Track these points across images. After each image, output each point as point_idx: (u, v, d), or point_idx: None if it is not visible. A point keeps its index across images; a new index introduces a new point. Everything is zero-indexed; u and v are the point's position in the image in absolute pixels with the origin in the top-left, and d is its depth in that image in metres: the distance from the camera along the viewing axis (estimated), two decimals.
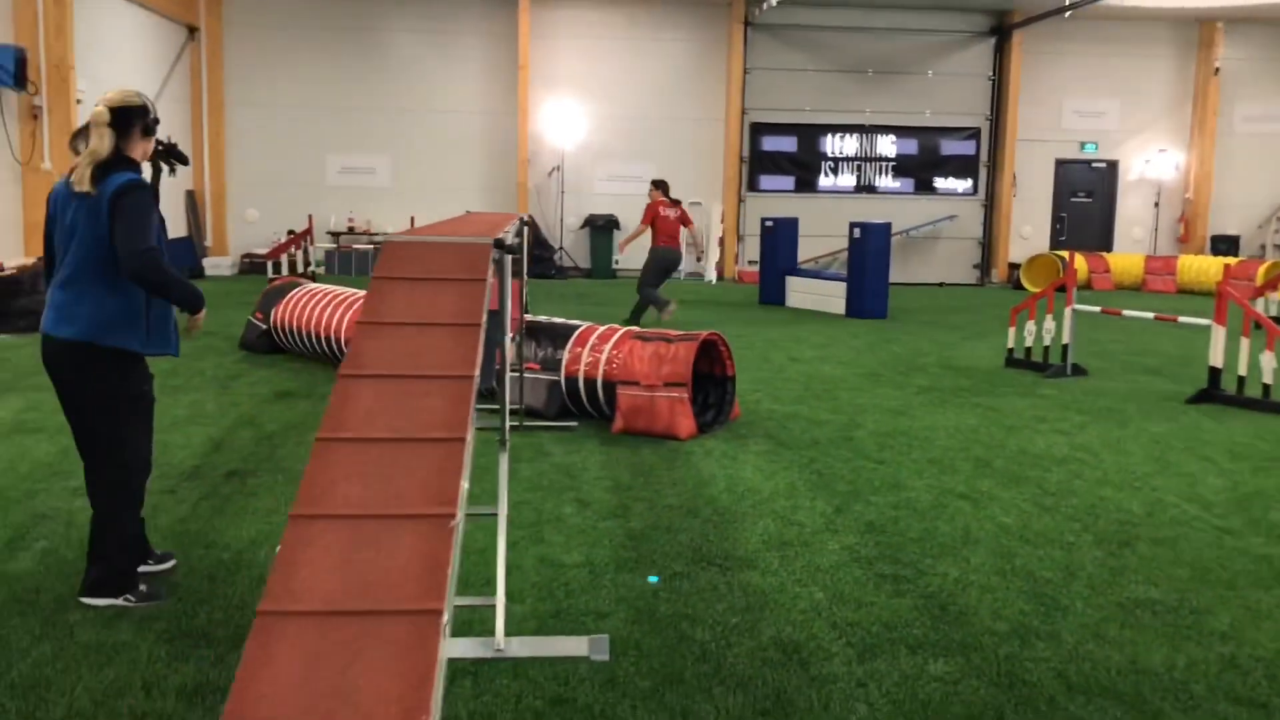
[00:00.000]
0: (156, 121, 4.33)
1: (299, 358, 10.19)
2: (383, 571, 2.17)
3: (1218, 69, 21.40)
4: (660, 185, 13.55)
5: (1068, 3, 18.46)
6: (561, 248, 20.59)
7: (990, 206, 21.73)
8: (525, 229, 6.93)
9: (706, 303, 16.44)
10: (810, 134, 21.08)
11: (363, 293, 9.84)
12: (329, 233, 19.68)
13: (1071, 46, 21.19)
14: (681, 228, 13.45)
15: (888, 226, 15.45)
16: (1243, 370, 8.94)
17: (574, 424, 7.56)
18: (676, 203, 13.56)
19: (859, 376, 10.05)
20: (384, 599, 2.10)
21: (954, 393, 9.31)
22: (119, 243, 4.01)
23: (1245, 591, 4.69)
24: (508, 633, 3.78)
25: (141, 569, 4.44)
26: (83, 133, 4.21)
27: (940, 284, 21.28)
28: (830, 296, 15.46)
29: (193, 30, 19.05)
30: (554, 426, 7.50)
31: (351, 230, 20.00)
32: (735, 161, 20.76)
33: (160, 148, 4.65)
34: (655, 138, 20.63)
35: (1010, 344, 10.91)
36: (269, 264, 17.21)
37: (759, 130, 20.93)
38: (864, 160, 21.32)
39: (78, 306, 4.11)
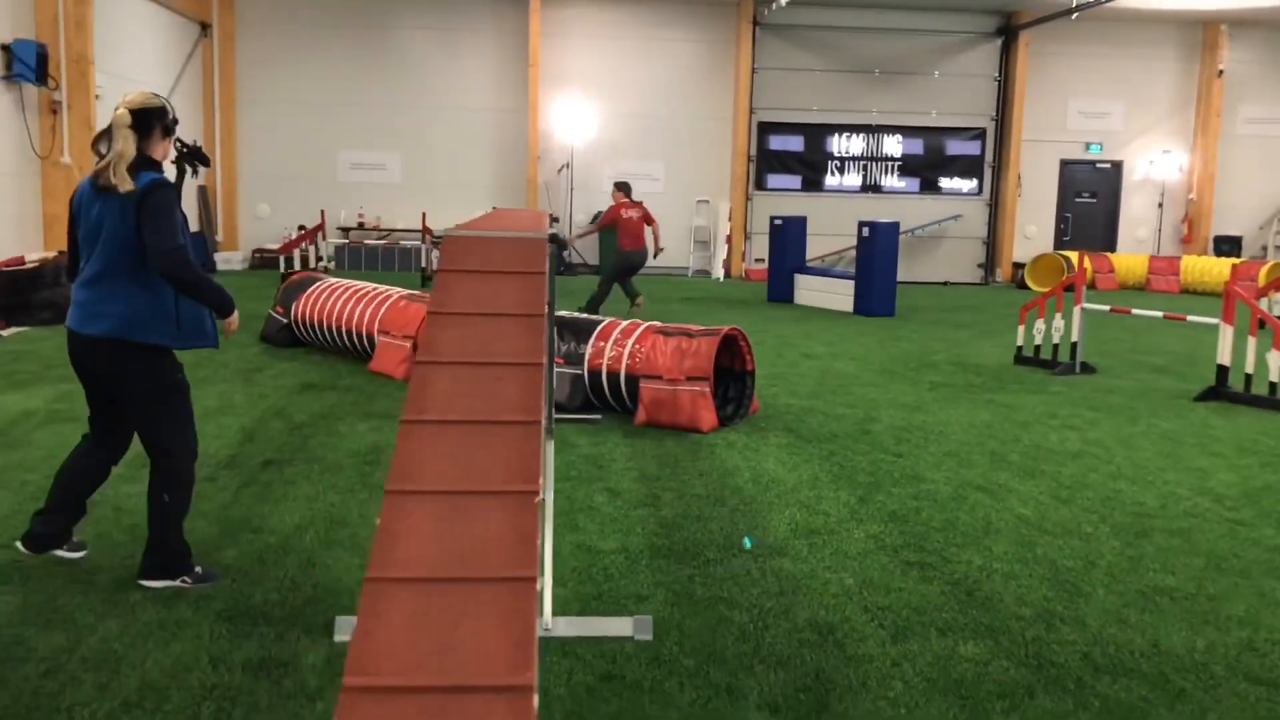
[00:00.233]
0: (176, 122, 4.43)
1: (319, 351, 10.34)
2: (476, 542, 2.33)
3: (1221, 71, 21.57)
4: (622, 187, 13.84)
5: (1075, 4, 18.62)
6: (570, 246, 20.74)
7: (995, 206, 21.90)
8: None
9: (715, 300, 16.59)
10: (817, 133, 21.25)
11: (383, 287, 10.02)
12: (339, 228, 19.83)
13: (1077, 48, 21.36)
14: (646, 226, 13.78)
15: (896, 226, 15.62)
16: (1249, 368, 9.10)
17: (598, 416, 7.72)
18: (638, 204, 13.86)
19: (872, 372, 10.21)
20: (480, 567, 2.25)
21: (966, 389, 9.47)
22: (148, 242, 4.13)
23: (1259, 580, 4.85)
24: (553, 614, 3.94)
25: (55, 552, 4.56)
26: (105, 136, 4.31)
27: (945, 283, 21.45)
28: (838, 294, 15.62)
29: (205, 26, 19.20)
30: (579, 419, 7.65)
31: (362, 226, 20.15)
32: (743, 160, 20.92)
33: (184, 150, 4.76)
34: (664, 136, 20.78)
35: (1019, 342, 11.07)
36: (281, 259, 17.35)
37: (766, 129, 21.09)
38: (870, 160, 21.48)
39: (108, 304, 4.22)
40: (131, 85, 15.52)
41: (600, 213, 19.66)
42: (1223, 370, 9.29)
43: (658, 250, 15.59)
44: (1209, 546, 5.31)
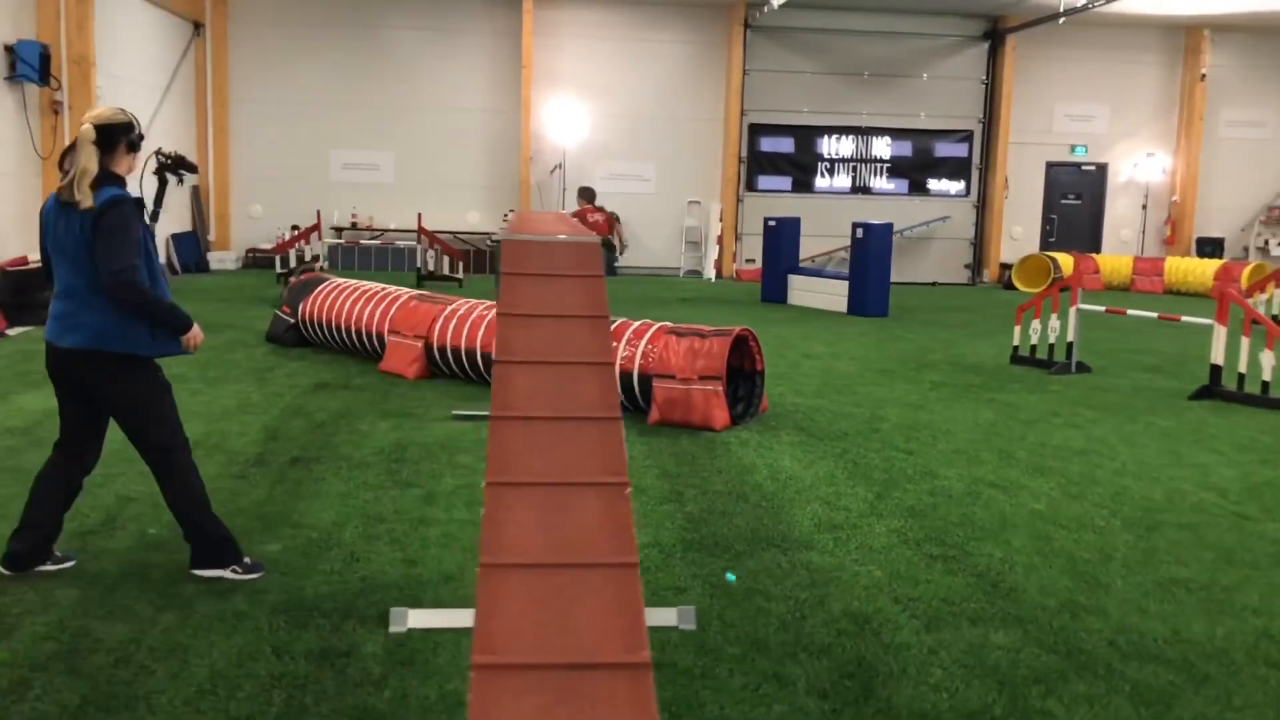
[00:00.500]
0: (141, 137, 4.43)
1: (327, 350, 10.43)
2: (578, 530, 2.47)
3: (1204, 75, 21.88)
4: (585, 193, 14.08)
5: (1062, 9, 18.87)
6: None
7: (982, 208, 22.15)
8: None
9: (709, 300, 16.75)
10: (807, 135, 21.43)
11: (391, 288, 10.12)
12: (333, 228, 19.86)
13: (1063, 52, 21.62)
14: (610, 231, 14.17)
15: (889, 227, 15.81)
16: (1242, 368, 9.33)
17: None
18: (601, 209, 14.12)
19: (873, 372, 10.39)
20: (585, 553, 2.40)
21: (966, 388, 9.65)
22: (99, 261, 4.18)
23: (1269, 571, 5.04)
24: None
25: (40, 569, 4.51)
26: (70, 151, 4.35)
27: (933, 283, 21.67)
28: (832, 295, 15.80)
29: (198, 26, 19.20)
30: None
31: (355, 226, 20.19)
32: (734, 162, 21.08)
33: (167, 161, 4.81)
34: (655, 137, 20.92)
35: (1016, 341, 11.27)
36: (277, 258, 17.40)
37: (757, 131, 21.26)
38: (859, 161, 21.69)
39: (81, 316, 4.28)
40: (129, 85, 15.56)
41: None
42: (1216, 370, 9.51)
43: (622, 248, 15.81)
44: (1217, 540, 5.49)
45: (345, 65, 20.18)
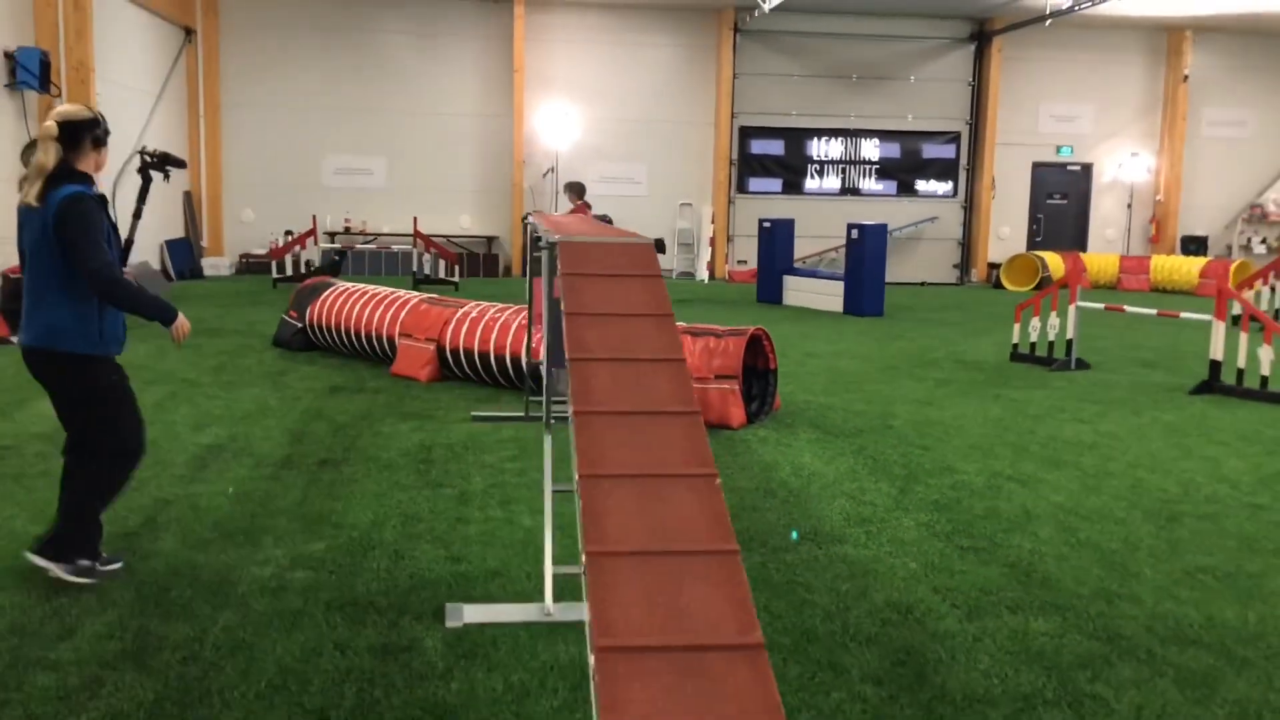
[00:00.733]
0: (107, 133, 4.39)
1: (336, 354, 10.46)
2: (676, 520, 2.55)
3: (1186, 76, 22.16)
4: (576, 188, 14.17)
5: (1049, 11, 19.09)
6: None
7: (970, 208, 22.36)
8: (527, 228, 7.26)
9: (705, 301, 16.85)
10: (797, 137, 21.59)
11: (400, 292, 10.17)
12: (326, 233, 19.87)
13: (1048, 53, 21.86)
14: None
15: (884, 227, 15.97)
16: (1241, 363, 9.49)
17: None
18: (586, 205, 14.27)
19: (878, 370, 10.51)
20: (686, 542, 2.48)
21: (971, 385, 9.79)
22: (76, 263, 4.16)
23: None
24: None
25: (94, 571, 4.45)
26: (32, 146, 4.33)
27: (922, 283, 21.85)
28: (827, 295, 15.94)
29: (190, 32, 19.18)
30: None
31: (348, 230, 20.20)
32: (725, 164, 21.22)
33: (151, 159, 4.83)
34: (647, 140, 21.03)
35: (1015, 339, 11.42)
36: (273, 264, 17.41)
37: (747, 134, 21.41)
38: (848, 163, 21.87)
39: (35, 314, 4.30)
40: (124, 91, 15.54)
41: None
42: (1215, 365, 9.67)
43: None
44: (1237, 529, 5.63)
45: (337, 70, 20.20)
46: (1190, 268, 20.60)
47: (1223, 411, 8.79)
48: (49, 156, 4.21)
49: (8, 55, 12.09)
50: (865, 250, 15.42)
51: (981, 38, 21.67)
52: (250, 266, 19.86)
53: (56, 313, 4.24)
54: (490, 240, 20.94)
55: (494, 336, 8.87)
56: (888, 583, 4.71)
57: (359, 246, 19.25)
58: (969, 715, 3.54)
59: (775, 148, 21.60)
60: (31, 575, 4.48)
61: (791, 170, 21.71)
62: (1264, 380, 9.28)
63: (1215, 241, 23.06)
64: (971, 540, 5.33)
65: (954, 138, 22.11)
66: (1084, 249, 22.67)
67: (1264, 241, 22.82)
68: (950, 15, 21.33)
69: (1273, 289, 14.96)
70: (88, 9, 13.16)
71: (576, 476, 2.70)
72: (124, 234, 4.78)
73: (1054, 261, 20.83)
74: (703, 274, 20.96)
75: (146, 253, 16.76)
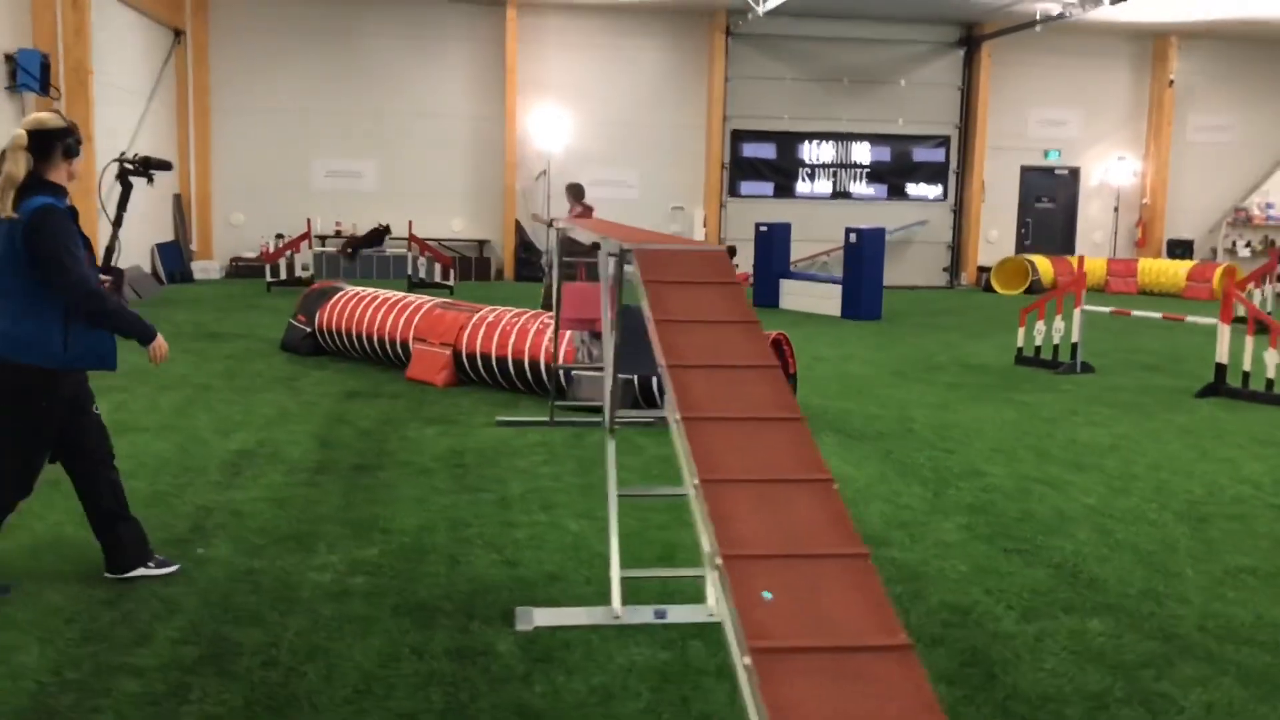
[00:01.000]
0: (79, 142, 4.30)
1: (345, 359, 10.45)
2: (801, 524, 2.60)
3: (1172, 81, 22.45)
4: (575, 190, 14.22)
5: (1038, 17, 19.29)
6: (548, 251, 20.93)
7: (959, 212, 22.55)
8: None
9: None
10: (789, 141, 21.72)
11: (411, 296, 10.17)
12: (317, 236, 19.79)
13: (1036, 58, 22.08)
14: None
15: (882, 231, 16.11)
16: (1247, 366, 9.63)
17: (660, 415, 7.92)
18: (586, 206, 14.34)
19: (887, 374, 10.60)
20: (814, 545, 2.53)
21: (982, 389, 9.89)
22: (52, 276, 4.08)
23: None
24: (707, 599, 4.24)
25: (140, 571, 4.50)
26: (1, 158, 4.23)
27: (913, 287, 22.01)
28: (825, 299, 16.04)
29: (179, 33, 19.08)
30: (639, 421, 7.85)
31: (339, 234, 20.14)
32: (717, 168, 21.31)
33: (130, 166, 4.71)
34: (639, 143, 21.09)
35: (1020, 343, 11.54)
36: (267, 267, 17.34)
37: (739, 137, 21.52)
38: (840, 167, 22.01)
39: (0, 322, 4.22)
40: (117, 93, 15.44)
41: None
42: (1221, 368, 9.81)
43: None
44: (1267, 529, 5.73)
45: (327, 73, 20.15)
46: (1177, 271, 20.86)
47: (1232, 414, 8.93)
48: (19, 167, 4.11)
49: (8, 57, 12.01)
50: (863, 254, 15.53)
51: (971, 43, 21.87)
52: (240, 270, 19.77)
53: (20, 323, 4.15)
54: (482, 244, 20.93)
55: (512, 341, 8.89)
56: (940, 585, 4.77)
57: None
58: (1044, 714, 3.61)
59: (767, 151, 21.72)
60: (94, 582, 4.49)
61: (783, 174, 21.83)
62: (1269, 383, 9.43)
63: (1201, 245, 23.36)
64: (1014, 543, 5.40)
65: (944, 142, 22.29)
66: (1072, 252, 22.90)
67: (1249, 245, 23.13)
68: (940, 20, 21.51)
69: (1264, 292, 15.20)
70: (86, 9, 13.09)
71: (695, 481, 2.74)
72: (106, 240, 4.74)
73: (1044, 265, 21.06)
74: None
75: (137, 256, 16.66)
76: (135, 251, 16.40)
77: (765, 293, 16.96)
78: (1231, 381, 9.77)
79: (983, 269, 22.15)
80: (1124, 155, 22.78)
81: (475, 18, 20.32)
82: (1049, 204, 23.14)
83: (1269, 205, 23.13)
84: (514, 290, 18.32)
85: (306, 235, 17.54)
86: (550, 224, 16.06)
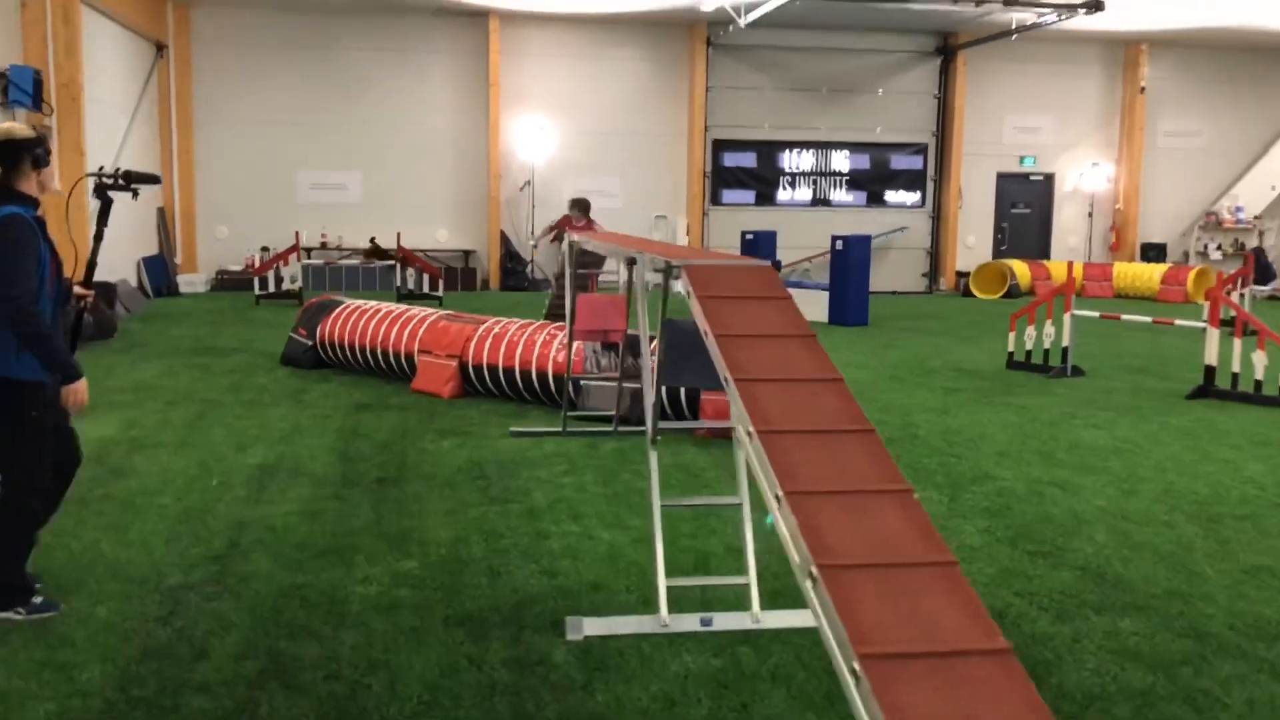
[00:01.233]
0: (48, 153, 4.31)
1: (348, 371, 10.47)
2: (888, 533, 2.70)
3: (1143, 88, 22.80)
4: (580, 204, 14.30)
5: (1013, 26, 19.58)
6: (533, 261, 21.00)
7: (937, 218, 22.80)
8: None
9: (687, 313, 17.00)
10: (769, 150, 21.90)
11: (414, 308, 10.21)
12: (302, 248, 19.75)
13: (1011, 66, 22.36)
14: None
15: (868, 239, 16.29)
16: (1236, 367, 9.85)
17: (703, 425, 7.99)
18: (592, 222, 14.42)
19: (883, 380, 10.74)
20: (905, 554, 2.63)
21: (978, 393, 10.05)
22: None
23: None
24: (751, 607, 4.35)
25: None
26: None
27: (894, 292, 22.23)
28: (811, 305, 16.16)
29: (161, 47, 19.00)
30: (678, 429, 7.87)
31: (324, 246, 20.11)
32: (699, 177, 21.44)
33: (109, 180, 4.67)
34: (621, 153, 21.19)
35: (1010, 347, 11.73)
36: (255, 280, 17.29)
37: (720, 146, 21.67)
38: (819, 175, 22.20)
39: None
40: (102, 108, 15.37)
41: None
42: (1210, 370, 10.03)
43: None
44: (1278, 529, 5.89)
45: (311, 86, 20.12)
46: (1151, 274, 21.21)
47: (1225, 415, 9.12)
48: None
49: (0, 74, 11.95)
50: (849, 260, 15.70)
51: (947, 52, 22.13)
52: (226, 283, 19.69)
53: None
54: (467, 254, 20.95)
55: (519, 352, 8.96)
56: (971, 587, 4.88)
57: (340, 262, 19.15)
58: (1094, 713, 3.73)
59: (748, 160, 21.88)
60: (141, 598, 4.52)
61: (764, 182, 22.00)
62: (1258, 385, 9.64)
63: (1173, 248, 23.73)
64: (1036, 545, 5.53)
65: (921, 149, 22.54)
66: (1047, 257, 23.21)
67: (1219, 247, 23.52)
68: (917, 30, 21.76)
69: (1241, 295, 15.48)
70: (78, 25, 13.04)
71: (779, 493, 2.83)
72: (86, 256, 4.73)
73: (1021, 270, 21.34)
74: (679, 286, 21.11)
75: (123, 270, 16.57)
76: (121, 265, 16.32)
77: None
78: (1220, 383, 9.98)
79: (961, 274, 22.40)
80: (1097, 161, 23.12)
81: (458, 30, 20.37)
82: (1025, 210, 23.44)
83: (1238, 208, 23.53)
84: (501, 300, 18.36)
85: (295, 248, 17.50)
86: (553, 239, 16.21)
